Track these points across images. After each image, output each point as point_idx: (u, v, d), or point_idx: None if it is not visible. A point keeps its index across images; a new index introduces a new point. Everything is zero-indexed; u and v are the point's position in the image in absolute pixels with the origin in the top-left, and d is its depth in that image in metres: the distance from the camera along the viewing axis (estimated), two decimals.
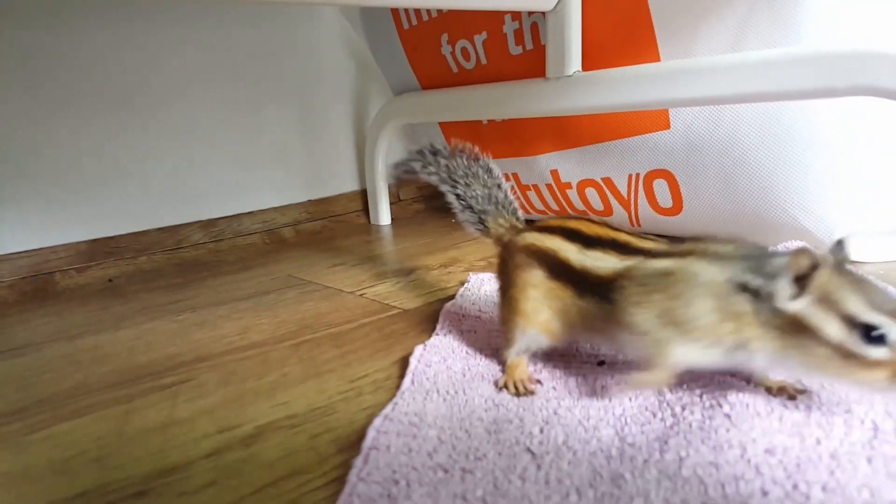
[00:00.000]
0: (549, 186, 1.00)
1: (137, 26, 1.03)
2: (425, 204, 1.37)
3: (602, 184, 0.92)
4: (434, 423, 0.44)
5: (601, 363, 0.51)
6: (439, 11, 1.01)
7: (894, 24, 0.69)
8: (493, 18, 0.94)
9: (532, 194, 1.04)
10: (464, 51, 0.99)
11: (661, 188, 0.86)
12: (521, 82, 0.90)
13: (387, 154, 1.20)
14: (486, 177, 0.61)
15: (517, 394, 0.47)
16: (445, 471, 0.38)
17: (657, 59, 0.80)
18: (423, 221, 1.25)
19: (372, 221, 1.25)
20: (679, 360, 0.41)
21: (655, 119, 0.83)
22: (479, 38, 0.96)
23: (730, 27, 0.74)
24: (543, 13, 0.84)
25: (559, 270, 0.47)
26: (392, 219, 1.25)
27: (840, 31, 0.69)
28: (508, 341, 0.50)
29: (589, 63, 0.83)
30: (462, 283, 0.77)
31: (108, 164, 1.03)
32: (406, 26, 1.06)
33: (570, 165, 0.95)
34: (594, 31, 0.83)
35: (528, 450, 0.39)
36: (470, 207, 0.61)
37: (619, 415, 0.42)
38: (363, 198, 1.29)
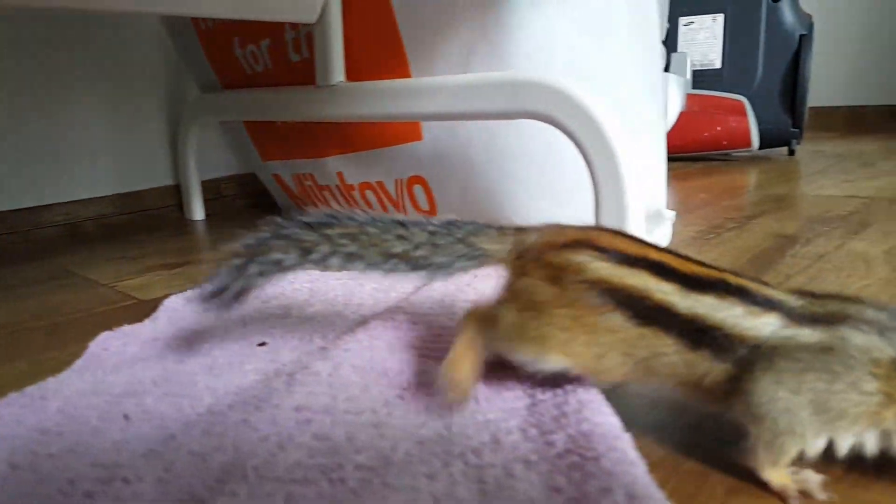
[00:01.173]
0: (337, 188, 1.07)
1: None
2: (248, 201, 1.41)
3: (377, 187, 1.00)
4: (67, 395, 0.49)
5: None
6: None
7: (596, 59, 0.81)
8: (275, 26, 0.99)
9: (327, 195, 1.11)
10: (253, 54, 1.04)
11: (419, 192, 0.95)
12: (296, 88, 0.96)
13: (201, 149, 1.23)
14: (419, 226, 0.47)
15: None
16: (42, 433, 0.43)
17: (409, 75, 0.89)
18: (239, 218, 1.29)
19: (186, 216, 1.28)
20: (817, 451, 0.36)
21: (411, 130, 0.92)
22: (264, 44, 1.02)
23: (460, 51, 0.83)
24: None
25: (653, 315, 0.39)
26: (209, 214, 1.28)
27: (547, 59, 0.80)
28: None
29: (356, 75, 0.91)
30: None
31: None
32: (203, 27, 1.10)
33: (351, 169, 1.02)
34: (355, 45, 0.90)
35: (125, 416, 0.45)
36: (424, 257, 0.46)
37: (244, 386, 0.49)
38: (179, 192, 1.31)
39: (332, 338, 0.57)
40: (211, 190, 1.30)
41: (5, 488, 0.38)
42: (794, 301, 0.38)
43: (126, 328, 0.63)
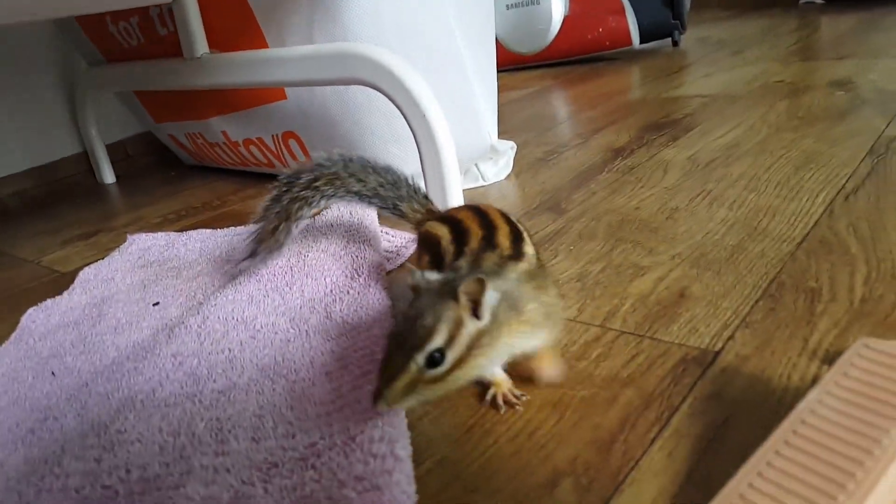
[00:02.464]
0: (225, 145, 1.19)
1: None
2: (155, 157, 1.51)
3: (258, 142, 1.13)
4: (8, 362, 0.65)
5: None
6: None
7: (418, 21, 0.92)
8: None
9: (218, 151, 1.23)
10: (126, 30, 1.12)
11: (294, 146, 1.08)
12: (166, 61, 1.05)
13: (101, 116, 1.31)
14: (378, 173, 0.68)
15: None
16: None
17: (266, 46, 0.99)
18: (147, 176, 1.40)
19: (98, 181, 1.38)
20: None
21: (277, 91, 1.03)
22: (134, 21, 1.09)
23: (302, 23, 0.94)
24: None
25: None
26: (119, 176, 1.39)
27: (376, 23, 0.91)
28: None
29: (220, 47, 1.00)
30: (122, 244, 0.96)
31: None
32: None
33: (232, 127, 1.14)
34: (214, 19, 0.99)
35: (52, 372, 0.62)
36: (377, 196, 0.68)
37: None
38: (88, 159, 1.40)
39: (210, 293, 0.74)
40: (118, 152, 1.40)
41: None
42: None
43: (48, 302, 0.78)
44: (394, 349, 0.44)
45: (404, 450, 0.44)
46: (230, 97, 1.09)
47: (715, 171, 0.94)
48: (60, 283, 0.87)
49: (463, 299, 0.44)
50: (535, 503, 0.41)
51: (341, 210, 0.87)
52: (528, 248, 0.53)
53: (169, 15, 1.03)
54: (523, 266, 0.50)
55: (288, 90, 1.01)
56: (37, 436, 0.54)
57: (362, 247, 0.77)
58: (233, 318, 0.67)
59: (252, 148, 1.14)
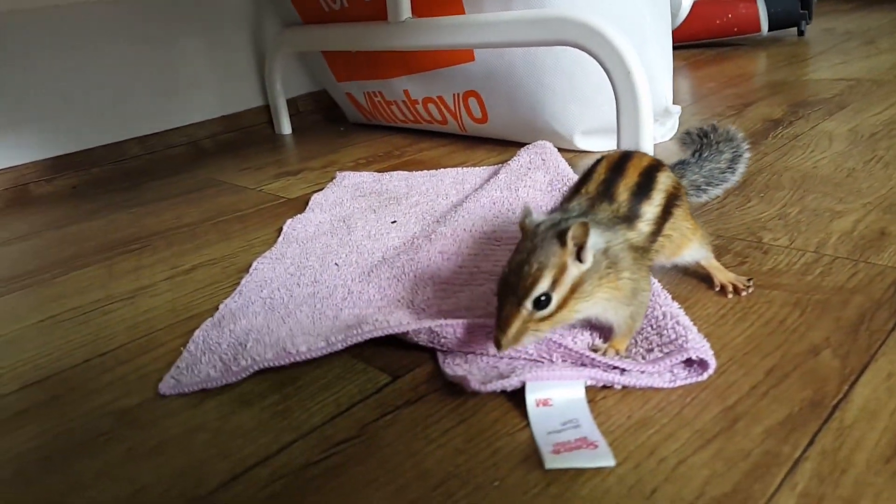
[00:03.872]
0: (404, 103, 1.32)
1: None
2: (322, 115, 1.67)
3: (437, 101, 1.25)
4: (291, 256, 0.80)
5: None
6: None
7: None
8: None
9: (395, 108, 1.36)
10: None
11: (473, 104, 1.20)
12: (372, 24, 1.19)
13: (284, 74, 1.48)
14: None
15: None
16: (292, 275, 0.75)
17: (463, 12, 1.11)
18: (318, 130, 1.56)
19: (276, 132, 1.55)
20: None
21: (465, 54, 1.15)
22: None
23: None
24: None
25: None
26: (293, 129, 1.55)
27: None
28: None
29: (419, 12, 1.13)
30: (332, 179, 1.11)
31: (56, 95, 1.29)
32: None
33: (414, 87, 1.27)
34: None
35: (336, 263, 0.76)
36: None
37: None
38: (268, 112, 1.58)
39: (441, 215, 0.86)
40: (291, 107, 1.56)
41: (272, 304, 0.68)
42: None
43: (299, 216, 0.93)
44: (505, 295, 0.47)
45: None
46: (417, 58, 1.22)
47: (881, 142, 1.00)
48: (289, 206, 1.02)
49: (570, 244, 0.47)
50: (802, 364, 0.51)
51: (533, 156, 0.98)
52: (649, 209, 0.54)
53: None
54: (631, 235, 0.52)
55: (476, 52, 1.13)
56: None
57: (562, 184, 0.89)
58: (475, 229, 0.79)
59: (430, 106, 1.27)
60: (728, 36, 2.01)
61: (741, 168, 0.72)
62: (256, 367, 0.54)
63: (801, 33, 2.07)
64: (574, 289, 0.47)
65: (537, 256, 0.47)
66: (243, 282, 0.74)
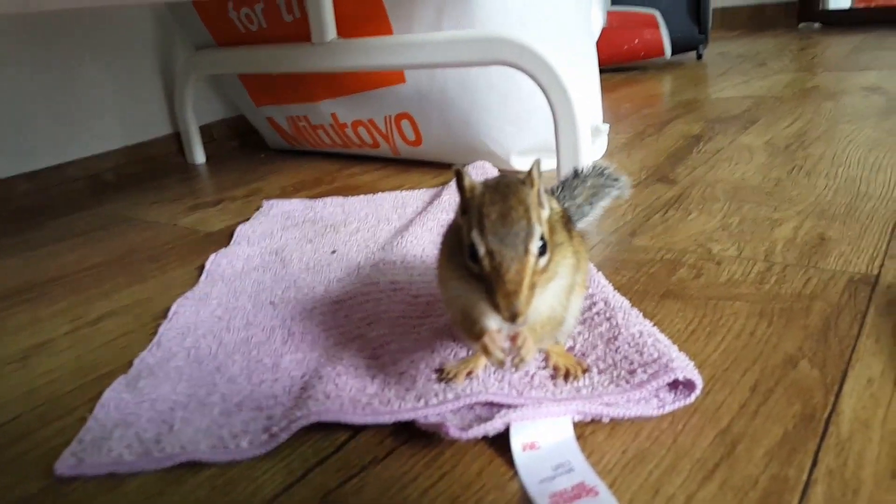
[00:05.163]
0: (332, 126, 1.26)
1: None
2: (239, 142, 1.57)
3: (368, 123, 1.20)
4: (217, 296, 0.71)
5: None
6: None
7: (539, 13, 1.02)
8: None
9: (322, 133, 1.30)
10: (248, 16, 1.19)
11: (406, 126, 1.16)
12: (294, 45, 1.13)
13: (195, 100, 1.37)
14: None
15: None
16: (219, 318, 0.66)
17: (391, 33, 1.07)
18: (236, 158, 1.46)
19: (188, 161, 1.43)
20: None
21: (396, 75, 1.11)
22: (259, 7, 1.16)
23: (433, 12, 1.02)
24: None
25: None
26: (208, 157, 1.44)
27: (504, 14, 1.01)
28: None
29: (346, 32, 1.08)
30: (258, 208, 1.02)
31: None
32: None
33: (343, 110, 1.21)
34: (344, 7, 1.07)
35: (271, 302, 0.69)
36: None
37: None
38: (178, 140, 1.46)
39: (386, 242, 0.81)
40: (204, 135, 1.45)
41: (197, 357, 0.59)
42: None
43: (223, 251, 0.84)
44: (500, 252, 0.39)
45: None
46: (344, 81, 1.16)
47: (796, 153, 1.05)
48: (209, 239, 0.93)
49: (537, 180, 0.43)
50: (784, 377, 0.49)
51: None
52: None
53: (297, 2, 1.11)
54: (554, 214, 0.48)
55: (407, 74, 1.09)
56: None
57: None
58: (423, 255, 0.74)
59: (360, 129, 1.22)
60: (634, 60, 2.10)
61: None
62: (186, 459, 0.45)
63: (699, 56, 2.22)
64: (552, 233, 0.43)
65: (515, 201, 0.41)
66: (161, 330, 0.65)
